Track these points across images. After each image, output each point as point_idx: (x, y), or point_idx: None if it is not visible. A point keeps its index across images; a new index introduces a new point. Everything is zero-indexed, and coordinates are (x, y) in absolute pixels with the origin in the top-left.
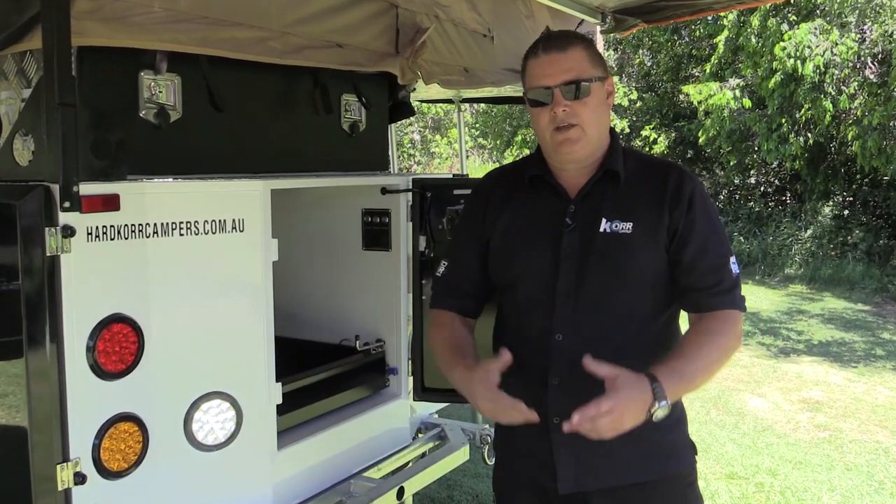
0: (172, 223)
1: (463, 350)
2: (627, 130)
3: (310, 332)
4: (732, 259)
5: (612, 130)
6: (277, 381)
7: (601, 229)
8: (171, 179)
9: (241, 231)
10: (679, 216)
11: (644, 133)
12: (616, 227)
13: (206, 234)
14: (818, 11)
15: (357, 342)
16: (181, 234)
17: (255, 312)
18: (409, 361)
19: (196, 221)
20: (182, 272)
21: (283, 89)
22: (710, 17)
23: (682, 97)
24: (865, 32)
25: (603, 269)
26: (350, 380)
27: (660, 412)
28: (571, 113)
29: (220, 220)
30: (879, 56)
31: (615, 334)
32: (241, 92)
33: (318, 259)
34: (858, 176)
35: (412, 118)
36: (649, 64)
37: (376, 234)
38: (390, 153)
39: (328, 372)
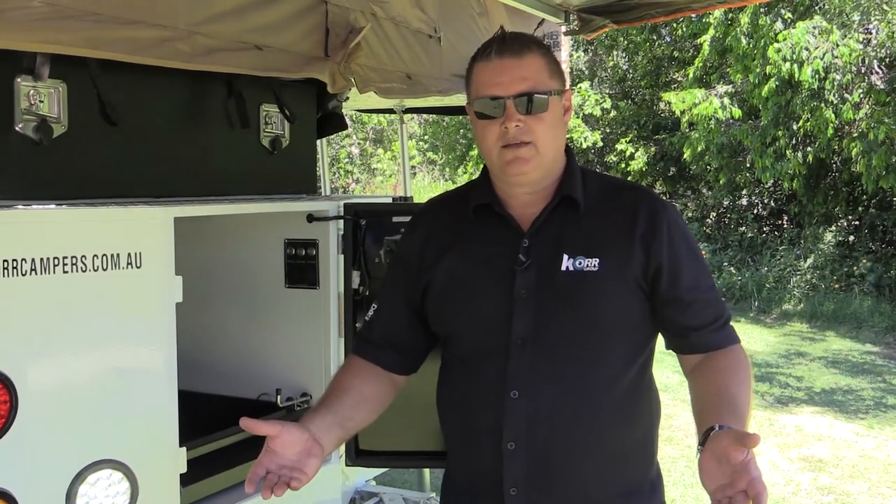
0: (54, 258)
1: (335, 398)
2: (600, 144)
3: (222, 386)
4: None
5: (568, 150)
6: (181, 445)
7: (563, 267)
8: (53, 206)
9: (137, 267)
10: (659, 250)
11: (619, 147)
12: (580, 264)
13: (96, 270)
14: (817, 8)
15: (279, 396)
16: (65, 272)
17: (155, 364)
18: None
19: (83, 256)
20: (65, 317)
21: (191, 99)
22: (693, 16)
23: (662, 106)
24: (871, 33)
25: (568, 313)
26: None
27: None
28: (525, 129)
29: (112, 255)
30: (887, 60)
31: (582, 388)
32: (139, 102)
33: (232, 299)
34: (864, 197)
35: (348, 130)
36: (625, 67)
37: (301, 268)
38: (319, 173)
39: (243, 433)
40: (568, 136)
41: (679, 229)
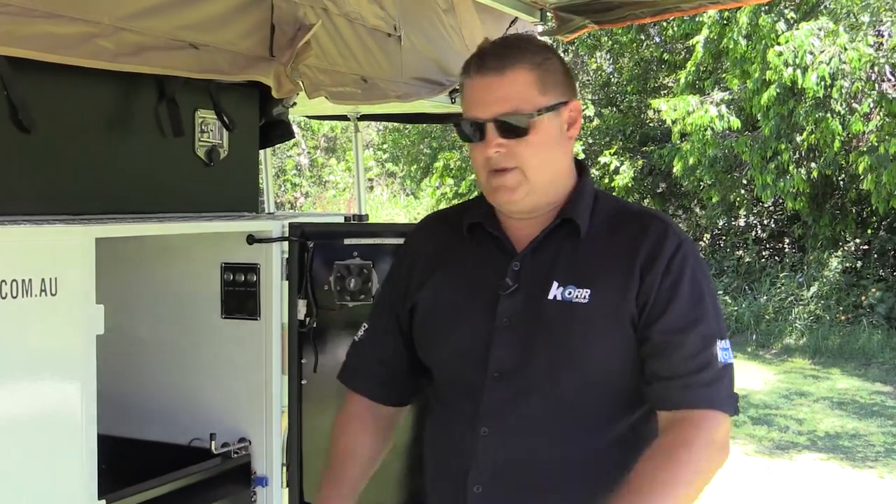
0: None
1: (341, 468)
2: (582, 156)
3: (149, 430)
4: (722, 344)
5: (581, 167)
6: (101, 497)
7: (550, 295)
8: None
9: (52, 294)
10: (653, 281)
11: (602, 160)
12: (569, 294)
13: (4, 298)
14: (822, 8)
15: (213, 443)
16: None
17: (72, 405)
18: (284, 468)
19: None
20: None
21: (117, 103)
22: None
23: (651, 114)
24: (882, 35)
25: (548, 347)
26: (203, 493)
27: None
28: (508, 154)
29: (23, 280)
30: None
31: (558, 433)
32: (57, 106)
33: (161, 331)
34: (875, 218)
35: (296, 139)
36: (609, 70)
37: (240, 296)
38: (262, 188)
39: (173, 483)
40: None
41: (685, 262)
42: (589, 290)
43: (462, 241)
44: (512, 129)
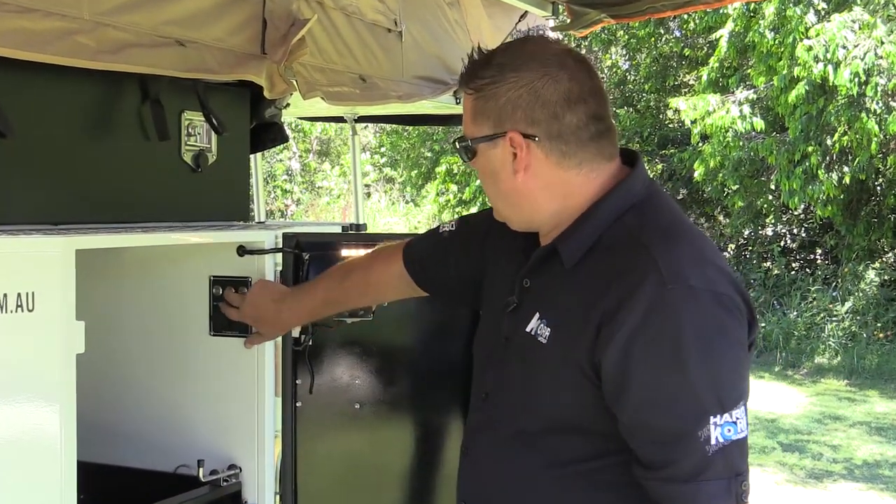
0: None
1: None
2: None
3: (132, 456)
4: (720, 419)
5: (609, 195)
6: None
7: (528, 327)
8: None
9: (29, 310)
10: (608, 338)
11: None
12: (539, 329)
13: None
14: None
15: (200, 469)
16: None
17: (50, 429)
18: (277, 497)
19: None
20: None
21: (98, 105)
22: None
23: (670, 114)
24: None
25: (514, 381)
26: None
27: None
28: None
29: None
30: None
31: (525, 467)
32: (34, 108)
33: (145, 350)
34: None
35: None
36: (625, 67)
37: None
38: (253, 195)
39: None
40: None
41: (665, 322)
42: (549, 330)
43: (515, 236)
44: (465, 153)
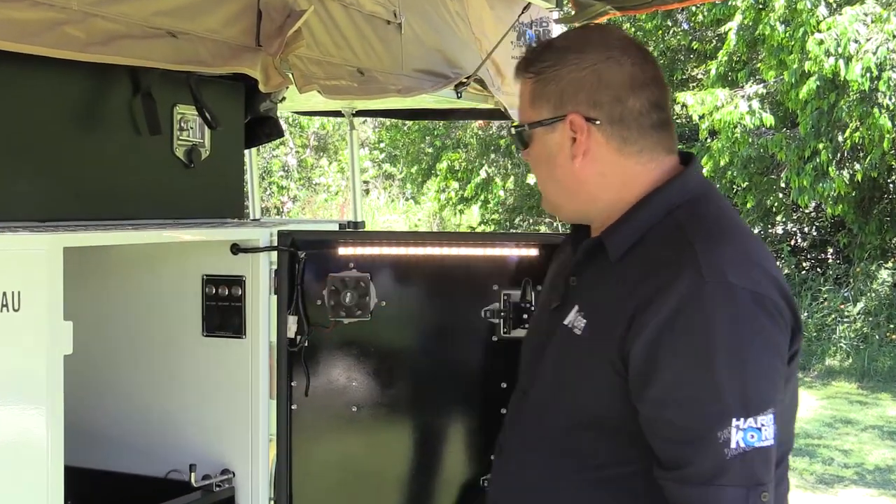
0: None
1: None
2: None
3: (121, 460)
4: (743, 423)
5: (664, 188)
6: None
7: (566, 320)
8: None
9: (15, 310)
10: (640, 329)
11: None
12: (576, 321)
13: None
14: None
15: (192, 475)
16: None
17: (36, 433)
18: (272, 503)
19: None
20: None
21: (87, 98)
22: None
23: (678, 109)
24: None
25: (546, 377)
26: None
27: None
28: (532, 166)
29: None
30: None
31: (551, 466)
32: (21, 101)
33: (135, 350)
34: None
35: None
36: None
37: (223, 312)
38: (248, 191)
39: None
40: None
41: (696, 317)
42: (585, 322)
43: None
44: (519, 141)
